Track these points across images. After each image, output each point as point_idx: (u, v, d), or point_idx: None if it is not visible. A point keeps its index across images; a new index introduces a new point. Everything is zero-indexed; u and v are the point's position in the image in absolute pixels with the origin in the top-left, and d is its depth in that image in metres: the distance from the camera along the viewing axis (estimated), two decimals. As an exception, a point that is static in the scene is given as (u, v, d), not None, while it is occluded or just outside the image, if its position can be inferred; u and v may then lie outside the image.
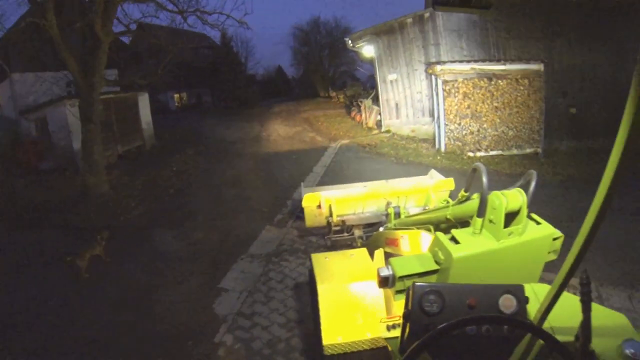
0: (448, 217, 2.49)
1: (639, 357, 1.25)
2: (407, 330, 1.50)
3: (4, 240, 7.06)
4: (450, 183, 4.81)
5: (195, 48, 26.89)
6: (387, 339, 1.96)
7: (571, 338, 1.27)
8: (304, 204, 4.95)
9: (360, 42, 13.83)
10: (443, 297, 1.48)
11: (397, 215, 4.14)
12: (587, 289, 1.18)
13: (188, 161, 12.03)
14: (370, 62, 14.44)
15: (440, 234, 1.99)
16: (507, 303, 1.46)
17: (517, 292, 1.49)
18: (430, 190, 4.84)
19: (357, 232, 4.91)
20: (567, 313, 1.40)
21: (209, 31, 43.79)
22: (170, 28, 11.53)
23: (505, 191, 1.92)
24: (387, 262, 2.00)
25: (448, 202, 2.66)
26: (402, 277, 1.91)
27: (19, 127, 12.32)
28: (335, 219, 4.86)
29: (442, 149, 11.20)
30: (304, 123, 17.49)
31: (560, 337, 1.25)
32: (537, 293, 1.67)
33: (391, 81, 13.48)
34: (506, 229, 1.89)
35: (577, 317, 1.21)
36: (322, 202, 4.84)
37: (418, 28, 12.61)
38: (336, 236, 4.92)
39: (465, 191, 2.34)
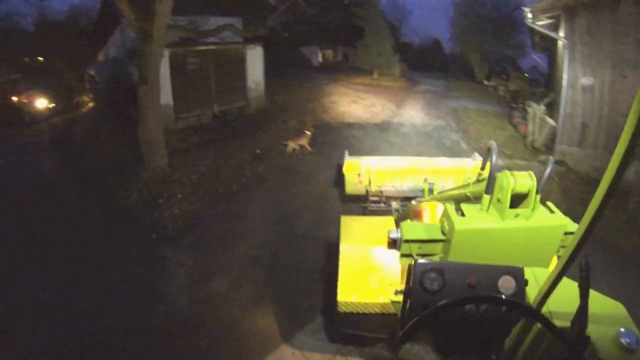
0: (468, 194, 2.57)
1: (633, 347, 1.32)
2: (408, 306, 1.52)
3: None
4: (521, 173, 3.94)
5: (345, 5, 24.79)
6: (393, 302, 2.18)
7: (568, 323, 1.32)
8: (345, 170, 5.07)
9: (543, 18, 9.83)
10: (444, 275, 1.51)
11: (431, 191, 4.20)
12: (586, 275, 1.27)
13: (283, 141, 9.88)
14: (549, 51, 10.46)
15: (449, 206, 2.10)
16: (506, 284, 1.49)
17: (517, 274, 1.51)
18: (469, 172, 4.72)
19: (395, 204, 4.87)
20: (566, 298, 1.41)
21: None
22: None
23: (515, 172, 1.99)
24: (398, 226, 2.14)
25: (469, 180, 2.85)
26: (408, 241, 2.09)
27: (128, 71, 11.62)
28: (373, 189, 5.02)
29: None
30: (450, 116, 13.90)
31: (558, 322, 1.35)
32: (537, 277, 1.75)
33: (583, 88, 9.32)
34: (513, 210, 1.96)
35: (576, 303, 1.28)
36: (362, 171, 4.97)
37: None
38: (374, 206, 5.08)
39: (482, 169, 2.63)
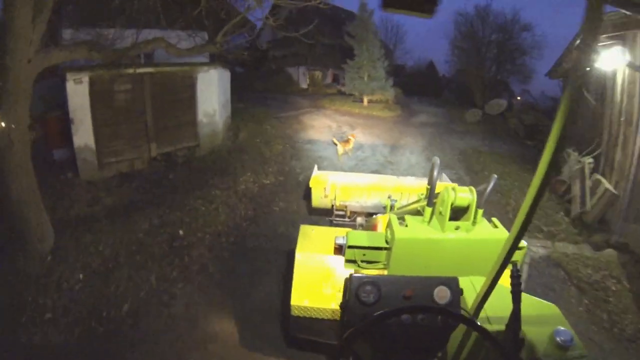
0: (419, 209, 2.64)
1: (568, 344, 1.44)
2: (345, 319, 1.58)
3: None
4: (462, 187, 3.76)
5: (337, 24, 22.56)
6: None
7: (504, 327, 1.44)
8: (312, 184, 5.23)
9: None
10: (379, 287, 1.57)
11: (392, 207, 4.26)
12: (517, 281, 1.40)
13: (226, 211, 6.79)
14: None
15: (392, 217, 2.32)
16: (441, 294, 1.58)
17: (451, 284, 1.60)
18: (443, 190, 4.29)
19: (359, 220, 4.98)
20: (503, 304, 1.50)
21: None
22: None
23: (456, 187, 2.19)
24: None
25: (422, 195, 3.04)
26: (352, 247, 2.24)
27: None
28: (338, 204, 5.16)
29: None
30: (459, 163, 10.88)
31: (496, 326, 1.53)
32: (475, 285, 1.87)
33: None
34: (453, 223, 2.14)
35: (510, 308, 1.39)
36: (328, 186, 5.12)
37: None
38: (338, 220, 5.20)
39: (428, 184, 2.57)
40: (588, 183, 7.65)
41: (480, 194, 2.15)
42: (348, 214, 5.27)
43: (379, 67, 18.63)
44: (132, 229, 5.99)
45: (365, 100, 18.94)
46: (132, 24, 7.22)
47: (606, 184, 7.25)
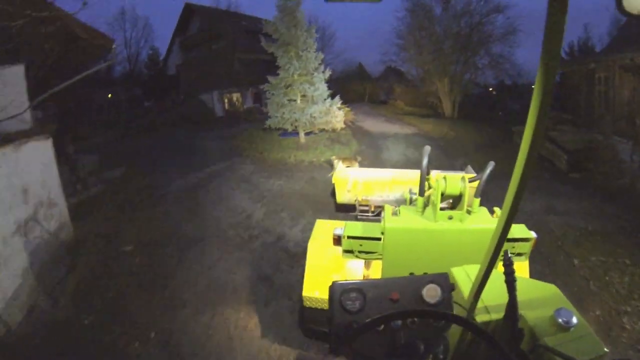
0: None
1: (571, 324, 1.38)
2: (331, 330, 1.47)
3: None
4: (454, 176, 3.66)
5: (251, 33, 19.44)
6: None
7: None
8: (335, 180, 5.25)
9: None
10: (364, 293, 1.46)
11: (412, 200, 4.02)
12: (510, 269, 1.29)
13: None
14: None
15: (387, 207, 2.35)
16: (431, 293, 1.46)
17: (441, 281, 1.49)
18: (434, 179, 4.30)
19: (384, 213, 4.09)
20: (500, 290, 1.38)
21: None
22: None
23: (447, 175, 2.16)
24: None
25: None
26: (349, 237, 2.33)
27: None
28: (361, 198, 5.16)
29: None
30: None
31: (494, 315, 1.49)
32: (469, 274, 1.74)
33: None
34: (445, 212, 2.12)
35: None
36: (350, 182, 5.17)
37: None
38: (362, 215, 5.14)
39: (427, 175, 2.55)
40: None
41: (477, 183, 2.18)
42: (372, 208, 5.21)
43: (317, 81, 12.27)
44: None
45: (302, 135, 12.46)
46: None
47: None
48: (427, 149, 2.33)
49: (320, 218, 4.15)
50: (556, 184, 8.57)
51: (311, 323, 2.83)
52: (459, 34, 17.70)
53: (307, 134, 12.65)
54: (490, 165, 2.25)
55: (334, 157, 8.76)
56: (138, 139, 15.60)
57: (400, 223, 2.14)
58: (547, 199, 7.44)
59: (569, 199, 7.59)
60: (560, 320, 1.40)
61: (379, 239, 2.23)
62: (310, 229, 3.62)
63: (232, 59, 21.44)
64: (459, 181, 2.08)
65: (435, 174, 4.48)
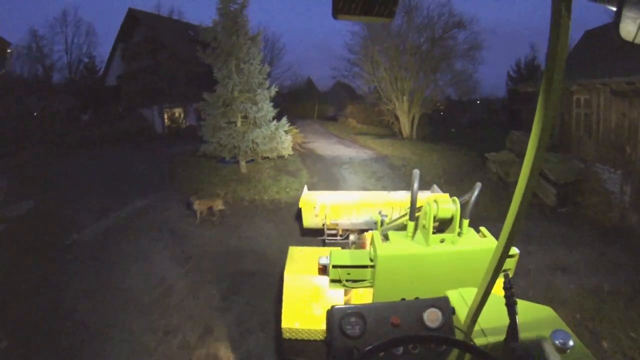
0: (405, 223, 2.50)
1: (568, 346, 1.30)
2: (331, 356, 1.44)
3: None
4: (445, 198, 3.32)
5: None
6: None
7: (502, 337, 1.33)
8: (301, 205, 5.04)
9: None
10: (364, 318, 1.46)
11: (383, 223, 4.15)
12: (510, 292, 1.27)
13: None
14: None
15: (375, 233, 2.25)
16: (432, 317, 1.47)
17: (442, 305, 1.50)
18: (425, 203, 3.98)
19: (352, 237, 4.82)
20: (496, 313, 1.40)
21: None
22: None
23: (438, 198, 2.07)
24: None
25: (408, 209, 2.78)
26: (335, 266, 2.13)
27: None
28: (329, 222, 5.01)
29: None
30: None
31: (491, 338, 1.44)
32: (464, 297, 1.71)
33: None
34: (438, 235, 2.04)
35: (505, 316, 1.27)
36: (317, 206, 4.98)
37: None
38: (330, 239, 5.04)
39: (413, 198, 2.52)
40: None
41: (464, 204, 2.07)
42: (340, 232, 5.08)
43: (261, 99, 10.50)
44: None
45: (243, 165, 10.61)
46: None
47: None
48: (417, 172, 2.22)
49: (263, 299, 4.03)
50: (546, 223, 7.57)
51: (292, 355, 2.60)
52: (419, 48, 16.59)
53: (249, 161, 10.83)
54: (478, 187, 2.16)
55: (193, 196, 7.79)
56: (64, 158, 13.89)
57: (393, 250, 2.05)
58: (545, 248, 6.52)
59: (568, 246, 6.61)
60: (557, 342, 1.31)
61: (367, 267, 2.10)
62: (255, 313, 3.53)
63: (175, 72, 19.34)
64: (450, 204, 2.01)
65: (425, 197, 4.20)
